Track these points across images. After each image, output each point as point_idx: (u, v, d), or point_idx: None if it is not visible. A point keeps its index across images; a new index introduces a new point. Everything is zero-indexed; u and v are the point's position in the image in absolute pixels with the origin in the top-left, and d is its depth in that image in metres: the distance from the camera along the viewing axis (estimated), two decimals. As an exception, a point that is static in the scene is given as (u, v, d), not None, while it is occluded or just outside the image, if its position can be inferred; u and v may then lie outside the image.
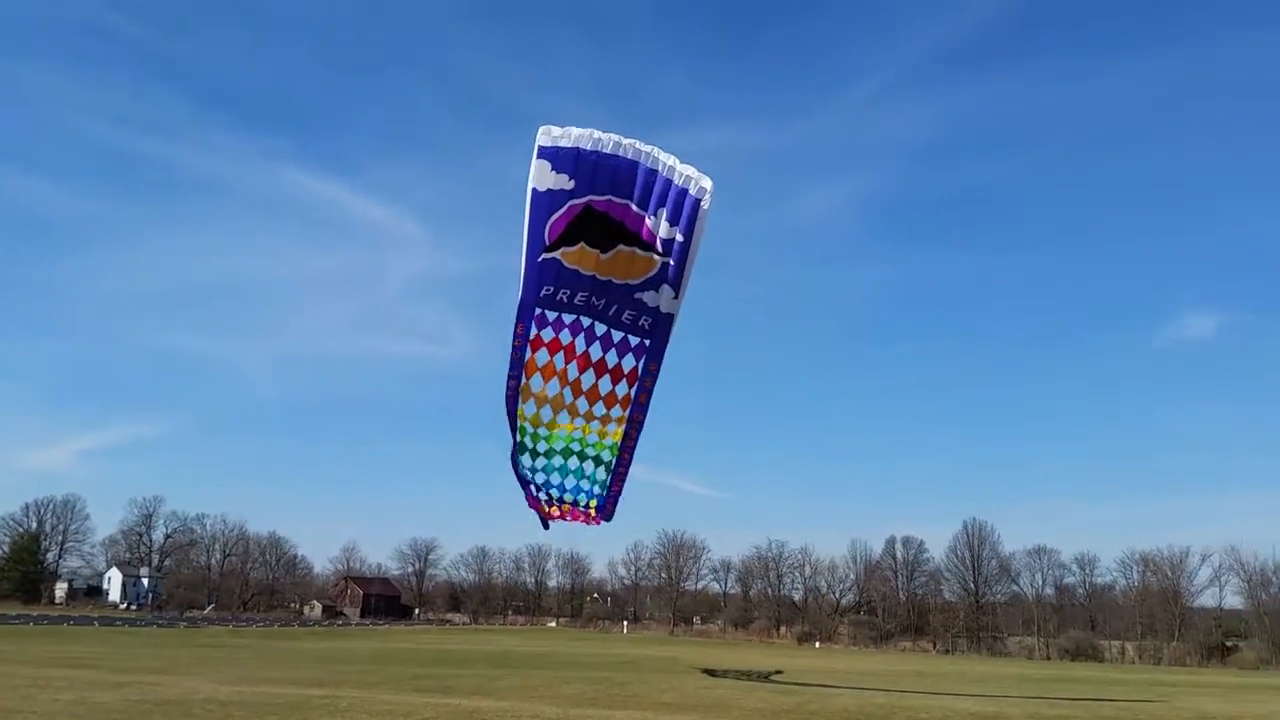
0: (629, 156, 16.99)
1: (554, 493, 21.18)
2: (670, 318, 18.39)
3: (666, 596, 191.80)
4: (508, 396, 19.13)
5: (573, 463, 20.46)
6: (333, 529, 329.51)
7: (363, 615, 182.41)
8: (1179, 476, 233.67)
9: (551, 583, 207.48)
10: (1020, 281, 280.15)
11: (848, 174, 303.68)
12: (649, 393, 19.14)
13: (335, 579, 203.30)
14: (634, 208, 17.16)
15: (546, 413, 19.11)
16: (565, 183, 17.09)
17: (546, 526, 23.89)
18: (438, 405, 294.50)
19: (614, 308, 18.20)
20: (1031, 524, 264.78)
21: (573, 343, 18.53)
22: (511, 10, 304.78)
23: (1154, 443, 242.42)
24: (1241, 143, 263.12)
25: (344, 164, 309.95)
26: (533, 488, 21.38)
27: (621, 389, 18.93)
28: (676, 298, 18.04)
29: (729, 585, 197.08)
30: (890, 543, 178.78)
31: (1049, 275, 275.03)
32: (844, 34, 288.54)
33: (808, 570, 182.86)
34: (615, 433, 19.55)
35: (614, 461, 20.10)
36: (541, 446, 19.78)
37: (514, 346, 18.44)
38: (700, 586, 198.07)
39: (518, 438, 19.68)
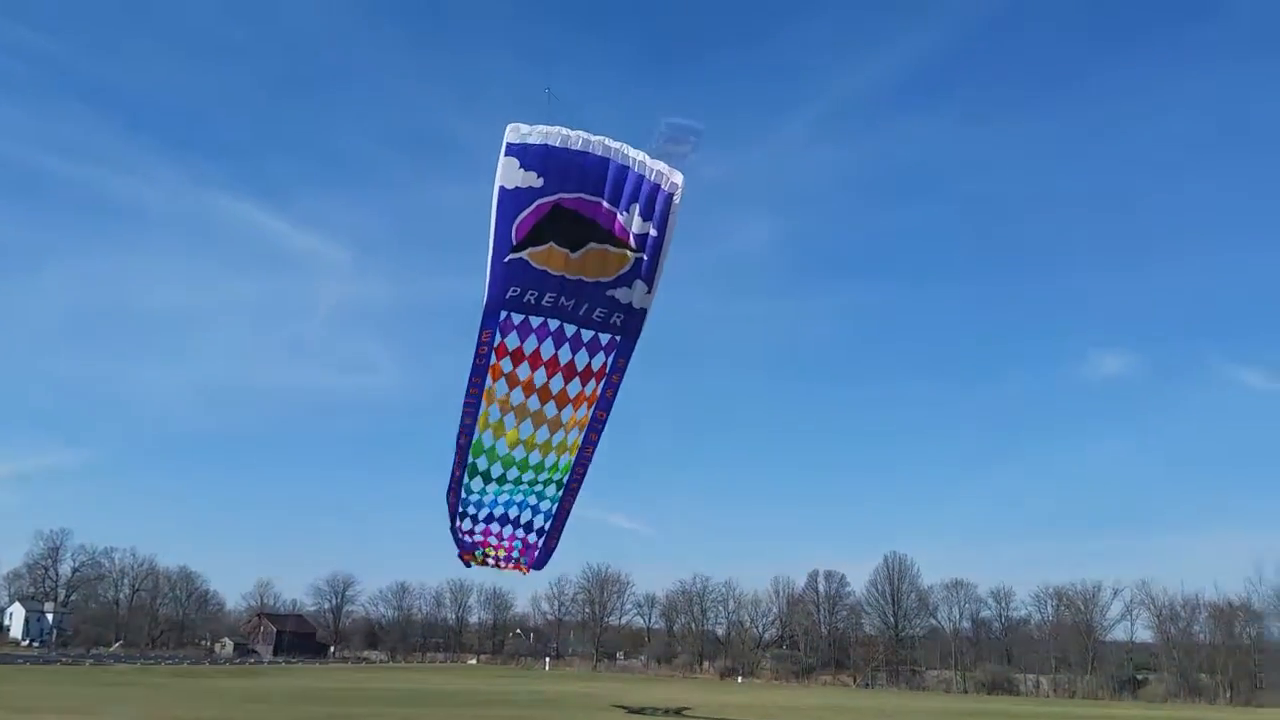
0: (598, 153, 16.87)
1: (499, 509, 20.62)
2: (643, 313, 18.31)
3: (590, 632, 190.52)
4: (466, 403, 18.78)
5: (524, 487, 20.07)
6: (247, 564, 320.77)
7: (276, 653, 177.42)
8: (1093, 512, 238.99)
9: (473, 618, 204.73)
10: (940, 318, 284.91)
11: (773, 209, 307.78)
12: (615, 389, 19.04)
13: (248, 615, 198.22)
14: (605, 205, 17.00)
15: (510, 420, 18.78)
16: (534, 180, 16.90)
17: (469, 565, 23.38)
18: (359, 437, 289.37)
19: (584, 307, 18.00)
20: (950, 555, 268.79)
21: (538, 349, 18.26)
22: (444, 38, 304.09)
23: (1068, 479, 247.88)
24: (1155, 190, 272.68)
25: (271, 190, 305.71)
26: (467, 520, 20.76)
27: (590, 387, 18.80)
28: (650, 292, 17.99)
29: (653, 620, 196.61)
30: (813, 576, 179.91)
31: (968, 313, 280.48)
32: (776, 70, 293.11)
33: (731, 604, 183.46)
34: (574, 443, 19.39)
35: (567, 478, 19.93)
36: (496, 470, 19.37)
37: (478, 354, 18.08)
38: (624, 621, 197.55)
39: (471, 456, 19.16)
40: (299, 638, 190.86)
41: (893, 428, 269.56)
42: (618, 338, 18.58)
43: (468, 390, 18.77)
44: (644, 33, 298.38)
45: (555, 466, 19.93)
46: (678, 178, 16.79)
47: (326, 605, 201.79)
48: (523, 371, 18.58)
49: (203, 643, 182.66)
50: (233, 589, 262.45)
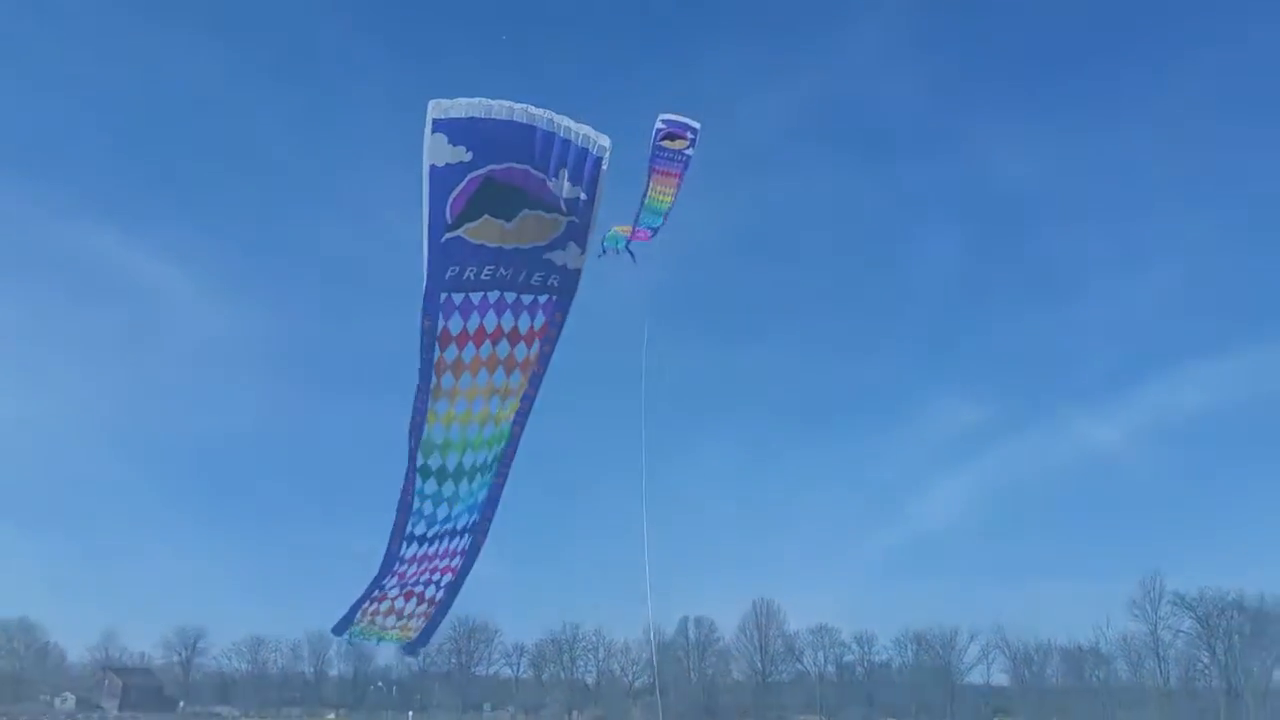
0: (523, 121, 17.14)
1: (455, 516, 20.02)
2: (578, 273, 18.61)
3: (456, 683, 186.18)
4: (416, 401, 18.50)
5: (463, 483, 19.73)
6: (90, 614, 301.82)
7: (122, 708, 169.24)
8: (949, 559, 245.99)
9: (333, 671, 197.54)
10: (795, 368, 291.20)
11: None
12: (554, 343, 19.27)
13: (92, 669, 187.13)
14: (534, 171, 17.28)
15: (460, 405, 18.55)
16: (463, 155, 16.96)
17: (340, 633, 21.82)
18: (212, 479, 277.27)
19: (523, 273, 18.21)
20: (816, 600, 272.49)
21: (481, 324, 18.29)
22: (311, 70, 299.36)
23: (925, 525, 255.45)
24: (1000, 243, 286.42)
25: (123, 218, 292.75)
26: (413, 545, 19.82)
27: (534, 349, 18.97)
28: (583, 254, 18.36)
29: (521, 670, 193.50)
30: (683, 623, 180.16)
31: (825, 362, 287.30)
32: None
33: (601, 653, 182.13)
34: (511, 408, 19.36)
35: (504, 446, 19.80)
36: (451, 461, 18.96)
37: (422, 344, 17.92)
38: (492, 671, 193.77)
39: (423, 456, 18.71)
40: (146, 692, 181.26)
41: (760, 472, 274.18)
42: (554, 297, 18.94)
43: (417, 386, 18.61)
44: (522, 72, 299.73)
45: (500, 436, 19.97)
46: (605, 140, 17.33)
47: (176, 658, 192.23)
48: (468, 354, 18.63)
49: (42, 698, 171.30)
50: (75, 641, 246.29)
